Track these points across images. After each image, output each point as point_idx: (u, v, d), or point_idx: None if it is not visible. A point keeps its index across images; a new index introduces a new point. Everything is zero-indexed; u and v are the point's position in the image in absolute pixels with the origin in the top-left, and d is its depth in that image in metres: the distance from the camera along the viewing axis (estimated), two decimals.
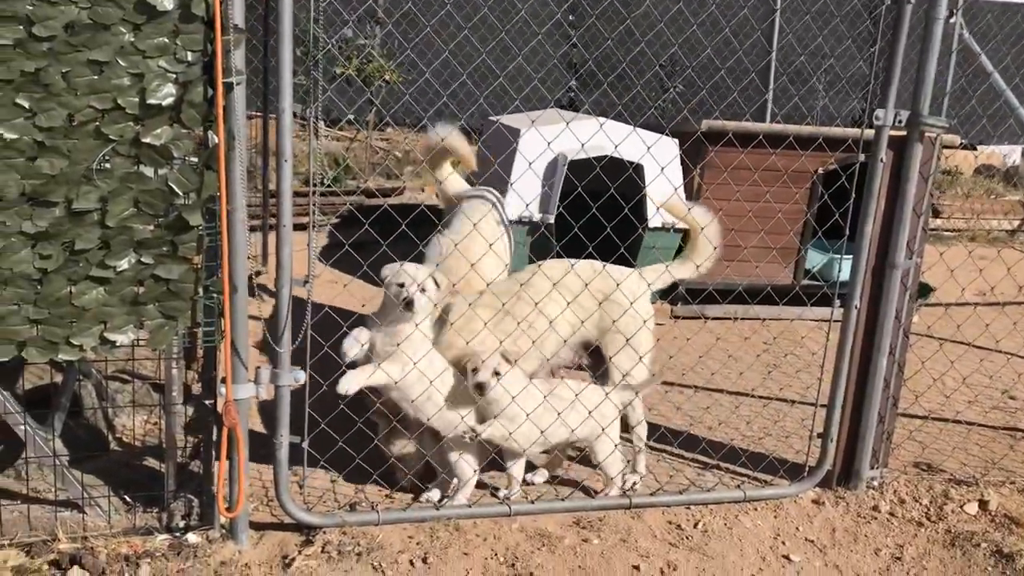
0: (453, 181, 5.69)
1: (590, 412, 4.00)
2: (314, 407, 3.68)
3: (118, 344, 3.24)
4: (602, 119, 6.21)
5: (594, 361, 4.44)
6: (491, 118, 7.67)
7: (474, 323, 4.04)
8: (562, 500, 4.03)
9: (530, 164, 5.90)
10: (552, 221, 6.36)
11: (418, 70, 11.04)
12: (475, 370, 3.87)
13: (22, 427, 3.48)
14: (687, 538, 3.92)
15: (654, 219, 6.59)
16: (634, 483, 4.29)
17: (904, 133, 3.97)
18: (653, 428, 4.83)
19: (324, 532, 3.69)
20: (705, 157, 6.78)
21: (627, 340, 4.19)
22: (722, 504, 4.18)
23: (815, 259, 7.52)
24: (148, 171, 3.14)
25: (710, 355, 5.93)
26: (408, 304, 3.76)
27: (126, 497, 3.71)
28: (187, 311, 3.30)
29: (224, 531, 3.60)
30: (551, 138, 5.33)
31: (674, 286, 7.04)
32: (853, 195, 4.10)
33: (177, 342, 3.45)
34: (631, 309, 4.23)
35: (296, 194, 9.05)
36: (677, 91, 11.09)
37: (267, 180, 7.75)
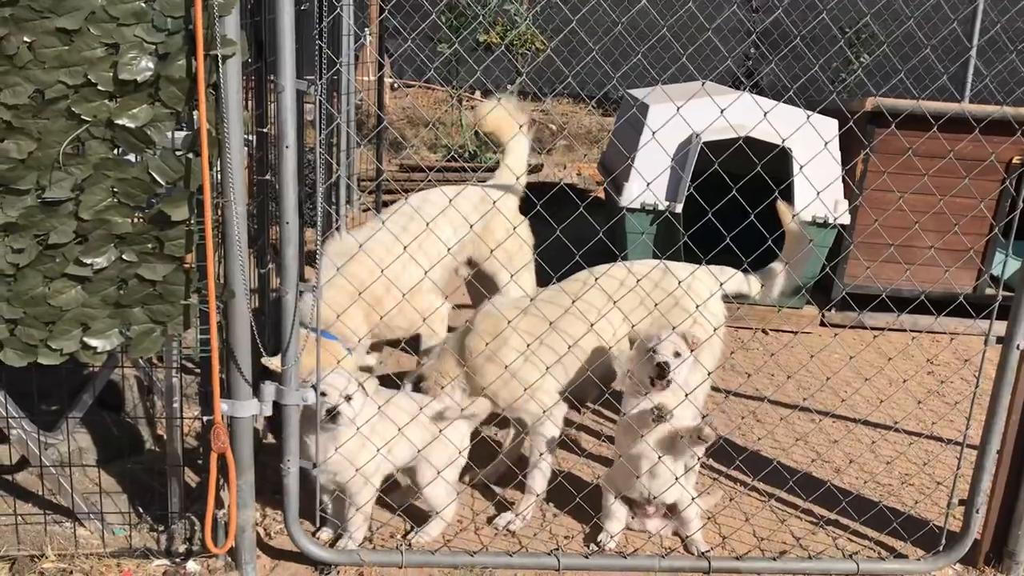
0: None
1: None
2: None
3: (100, 350, 2.87)
4: (749, 95, 5.35)
5: None
6: (629, 91, 6.94)
7: (510, 342, 3.47)
8: (623, 556, 3.38)
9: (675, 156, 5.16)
10: (679, 211, 5.59)
11: (577, 38, 10.38)
12: (653, 351, 3.26)
13: (16, 431, 3.20)
14: None
15: (804, 211, 5.67)
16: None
17: None
18: (764, 463, 4.07)
19: (339, 571, 3.23)
20: (872, 141, 5.77)
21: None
22: None
23: (1011, 266, 6.32)
24: (128, 157, 2.74)
25: (858, 373, 5.02)
26: (332, 416, 3.13)
27: (139, 511, 3.40)
28: (177, 316, 2.89)
29: (228, 560, 3.21)
30: (684, 114, 4.51)
31: (827, 288, 6.16)
32: None
33: (174, 349, 3.08)
34: (700, 313, 3.54)
35: (431, 168, 8.70)
36: (863, 66, 9.78)
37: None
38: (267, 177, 3.83)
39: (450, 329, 4.11)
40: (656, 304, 3.59)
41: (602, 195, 8.24)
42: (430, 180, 7.41)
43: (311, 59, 2.91)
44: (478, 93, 12.00)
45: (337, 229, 7.03)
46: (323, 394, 3.12)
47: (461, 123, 10.19)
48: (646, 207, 5.66)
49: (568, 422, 3.78)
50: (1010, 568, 3.43)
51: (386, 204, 7.82)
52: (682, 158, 5.68)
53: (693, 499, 3.48)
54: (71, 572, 3.07)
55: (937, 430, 4.63)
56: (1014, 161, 5.76)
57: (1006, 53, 9.75)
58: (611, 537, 3.46)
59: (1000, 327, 3.23)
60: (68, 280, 2.81)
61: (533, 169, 9.36)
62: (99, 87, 2.65)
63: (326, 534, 3.42)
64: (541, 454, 3.60)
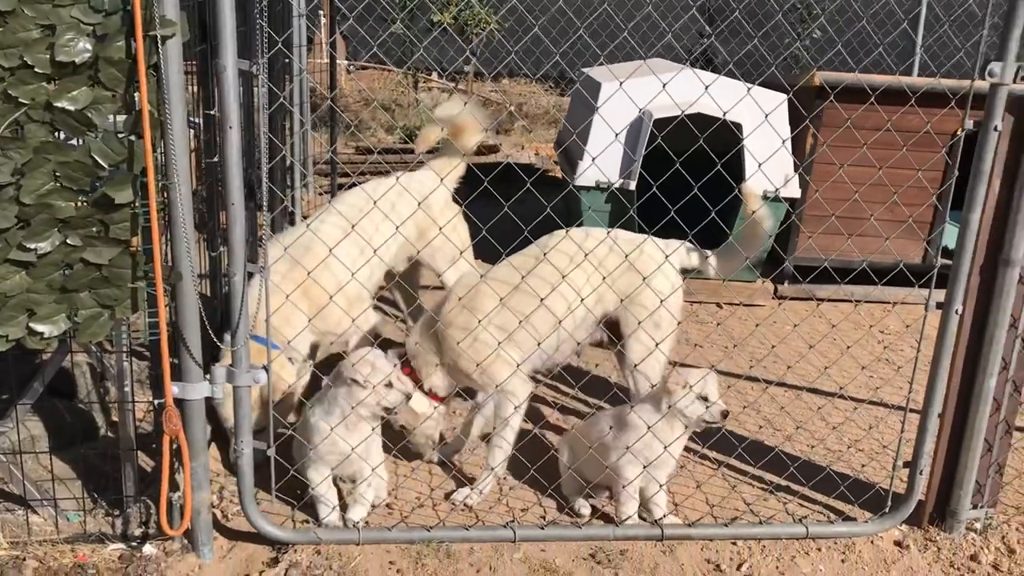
0: None
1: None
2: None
3: (47, 336, 2.85)
4: (691, 69, 5.39)
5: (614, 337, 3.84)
6: (584, 70, 6.97)
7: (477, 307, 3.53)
8: (578, 527, 3.43)
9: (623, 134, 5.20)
10: (633, 188, 5.64)
11: (532, 17, 10.38)
12: (706, 397, 3.35)
13: None
14: None
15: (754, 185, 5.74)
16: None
17: None
18: (714, 430, 4.13)
19: (296, 550, 3.25)
20: (819, 115, 5.86)
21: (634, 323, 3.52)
22: (779, 540, 3.48)
23: (951, 234, 6.46)
24: (70, 141, 2.72)
25: (807, 343, 5.11)
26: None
27: (93, 497, 3.39)
28: (125, 300, 2.88)
29: (185, 542, 3.22)
30: (637, 92, 4.53)
31: (779, 261, 6.26)
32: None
33: (124, 333, 3.07)
34: (656, 280, 3.67)
35: (387, 151, 8.68)
36: (813, 40, 9.88)
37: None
38: (215, 159, 3.82)
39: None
40: (604, 277, 3.66)
41: (559, 174, 8.28)
42: (387, 162, 7.39)
43: None
44: (434, 75, 11.97)
45: (292, 213, 7.00)
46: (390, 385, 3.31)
47: (417, 104, 10.17)
48: (600, 185, 5.70)
49: None
50: (952, 527, 3.53)
51: (342, 187, 7.81)
52: (635, 135, 5.73)
53: (661, 486, 3.50)
54: (24, 559, 3.06)
55: (883, 395, 4.74)
56: (958, 133, 5.88)
57: (956, 27, 9.91)
58: (572, 509, 3.51)
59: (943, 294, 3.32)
60: (11, 266, 2.78)
61: (490, 150, 9.37)
62: (36, 69, 2.62)
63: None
64: (501, 431, 3.64)
